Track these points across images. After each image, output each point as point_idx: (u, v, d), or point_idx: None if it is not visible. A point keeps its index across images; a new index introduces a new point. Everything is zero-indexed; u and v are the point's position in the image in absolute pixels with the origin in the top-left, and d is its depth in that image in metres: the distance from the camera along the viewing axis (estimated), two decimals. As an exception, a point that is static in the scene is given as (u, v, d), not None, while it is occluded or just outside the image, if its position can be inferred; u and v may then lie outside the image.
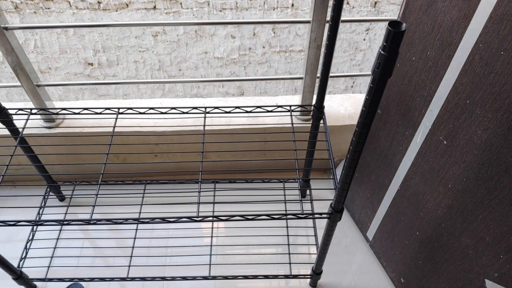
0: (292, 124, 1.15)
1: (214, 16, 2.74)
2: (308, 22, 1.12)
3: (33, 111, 1.19)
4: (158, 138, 1.37)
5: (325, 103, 1.10)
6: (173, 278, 1.24)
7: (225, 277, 1.23)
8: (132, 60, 2.86)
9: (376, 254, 1.32)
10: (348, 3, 2.70)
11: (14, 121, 1.15)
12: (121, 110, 1.14)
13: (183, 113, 1.13)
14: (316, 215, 0.93)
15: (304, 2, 2.71)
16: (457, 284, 0.98)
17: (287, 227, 1.37)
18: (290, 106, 1.17)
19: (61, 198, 1.45)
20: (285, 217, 0.95)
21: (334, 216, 0.92)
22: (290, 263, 1.29)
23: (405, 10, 0.89)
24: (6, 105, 1.14)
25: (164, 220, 0.92)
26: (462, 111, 0.81)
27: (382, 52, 0.54)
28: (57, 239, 1.34)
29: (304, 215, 0.94)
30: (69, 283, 1.24)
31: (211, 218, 0.92)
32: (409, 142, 1.00)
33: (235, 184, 1.42)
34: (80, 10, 2.69)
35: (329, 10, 0.96)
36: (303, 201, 1.45)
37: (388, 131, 1.06)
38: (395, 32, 0.51)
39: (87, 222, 0.92)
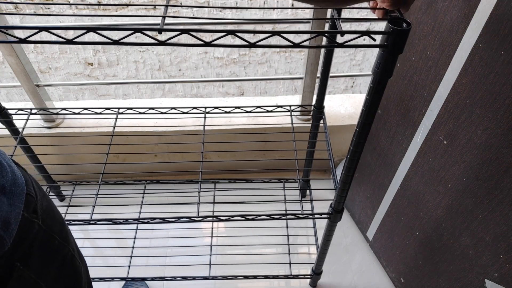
0: (292, 124, 1.15)
1: (214, 16, 2.74)
2: (308, 21, 1.12)
3: (33, 111, 1.19)
4: (158, 138, 1.37)
5: (325, 103, 1.10)
6: (173, 278, 1.24)
7: (225, 277, 1.23)
8: (132, 60, 2.86)
9: (376, 254, 1.31)
10: None
11: (14, 121, 1.15)
12: (121, 110, 1.14)
13: (183, 113, 1.14)
14: (316, 215, 0.93)
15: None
16: (457, 284, 0.98)
17: (287, 227, 1.37)
18: (290, 106, 1.17)
19: (61, 198, 1.45)
20: (285, 217, 0.95)
21: (334, 216, 0.92)
22: (290, 263, 1.29)
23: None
24: (6, 105, 1.14)
25: (164, 220, 0.92)
26: (462, 111, 0.81)
27: (382, 52, 0.54)
28: (57, 239, 1.34)
29: (304, 215, 0.94)
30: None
31: (211, 218, 0.92)
32: (409, 142, 1.00)
33: (235, 184, 1.42)
34: (80, 10, 2.68)
35: (329, 9, 0.96)
36: (303, 201, 1.45)
37: (388, 131, 1.06)
38: (400, 18, 0.50)
39: (87, 222, 0.92)
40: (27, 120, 1.17)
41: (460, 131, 0.83)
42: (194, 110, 1.14)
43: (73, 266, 0.62)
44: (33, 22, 2.65)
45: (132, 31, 0.51)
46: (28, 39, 0.51)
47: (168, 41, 0.52)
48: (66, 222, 0.93)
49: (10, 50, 1.10)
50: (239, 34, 0.53)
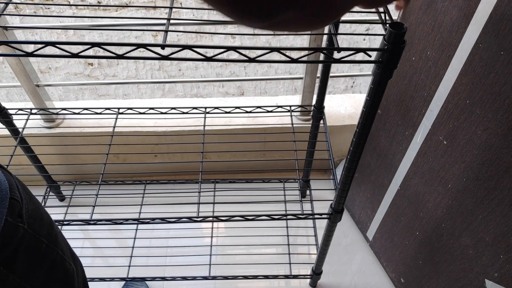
0: (292, 124, 1.15)
1: (214, 16, 2.74)
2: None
3: (33, 111, 1.19)
4: (158, 138, 1.37)
5: (325, 103, 1.10)
6: (173, 278, 1.24)
7: (225, 277, 1.23)
8: (132, 60, 2.86)
9: (376, 254, 1.32)
10: None
11: (14, 121, 1.15)
12: (121, 110, 1.14)
13: (183, 113, 1.14)
14: (316, 216, 0.93)
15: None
16: (457, 284, 0.98)
17: (287, 227, 1.37)
18: (290, 106, 1.17)
19: (61, 198, 1.45)
20: (285, 217, 0.95)
21: (334, 216, 0.92)
22: (290, 263, 1.29)
23: (405, 10, 0.89)
24: (6, 105, 1.14)
25: (164, 220, 0.92)
26: (462, 111, 0.81)
27: (377, 67, 0.55)
28: (57, 239, 1.34)
29: (304, 216, 0.94)
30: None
31: (211, 219, 0.92)
32: (409, 142, 1.00)
33: (235, 184, 1.42)
34: (80, 10, 2.69)
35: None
36: (303, 201, 1.45)
37: (388, 131, 1.06)
38: (395, 34, 0.51)
39: (87, 222, 0.92)
40: (27, 120, 1.17)
41: (460, 131, 0.83)
42: (194, 110, 1.14)
43: (64, 269, 0.62)
44: (33, 22, 2.65)
45: (135, 47, 0.53)
46: (34, 53, 0.53)
47: (171, 56, 0.54)
48: (66, 222, 0.93)
49: (10, 50, 1.10)
50: (238, 45, 0.55)
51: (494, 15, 0.69)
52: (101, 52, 0.53)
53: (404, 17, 0.90)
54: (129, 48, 0.53)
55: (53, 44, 0.52)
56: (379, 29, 2.70)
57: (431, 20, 0.83)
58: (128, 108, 1.14)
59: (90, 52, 0.52)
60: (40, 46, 0.53)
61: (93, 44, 0.52)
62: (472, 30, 0.74)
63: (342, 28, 2.71)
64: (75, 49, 0.53)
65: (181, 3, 2.65)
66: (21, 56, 0.54)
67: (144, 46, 0.52)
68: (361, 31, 2.76)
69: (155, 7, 2.70)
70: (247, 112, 1.14)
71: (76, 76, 2.95)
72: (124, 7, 2.67)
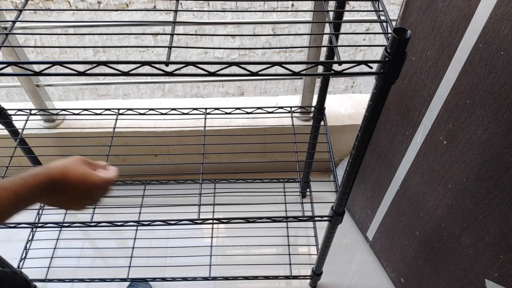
0: (293, 125, 1.15)
1: (214, 16, 2.74)
2: (308, 22, 1.12)
3: (33, 111, 1.19)
4: (158, 139, 1.37)
5: (325, 104, 1.09)
6: (174, 279, 1.24)
7: (226, 278, 1.23)
8: (132, 60, 2.86)
9: (376, 254, 1.31)
10: (348, 3, 2.69)
11: (14, 122, 1.15)
12: (121, 111, 1.14)
13: (184, 114, 1.13)
14: (317, 218, 0.92)
15: (304, 2, 2.70)
16: (457, 284, 0.98)
17: (287, 228, 1.36)
18: (291, 107, 1.17)
19: (61, 198, 1.44)
20: (286, 220, 0.94)
21: (335, 219, 0.91)
22: (290, 264, 1.28)
23: (405, 10, 0.89)
24: (6, 105, 1.14)
25: (164, 222, 0.92)
26: (462, 111, 0.81)
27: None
28: (57, 239, 1.34)
29: (305, 218, 0.94)
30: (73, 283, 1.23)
31: (211, 221, 0.92)
32: (409, 142, 1.00)
33: (235, 185, 1.42)
34: (80, 10, 2.68)
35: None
36: (303, 202, 1.45)
37: (388, 131, 1.06)
38: (399, 39, 0.50)
39: (87, 224, 0.92)
40: (26, 120, 1.17)
41: (460, 131, 0.83)
42: (194, 111, 1.14)
43: None
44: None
45: (140, 65, 0.55)
46: (43, 72, 0.56)
47: (175, 72, 0.55)
48: (66, 224, 0.93)
49: (10, 50, 1.10)
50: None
51: (494, 15, 0.69)
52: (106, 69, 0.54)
53: (404, 17, 0.90)
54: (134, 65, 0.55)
55: (60, 64, 0.55)
56: (379, 28, 2.68)
57: (431, 20, 0.83)
58: (128, 109, 1.14)
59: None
60: (47, 65, 0.56)
61: (99, 63, 0.54)
62: (472, 30, 0.74)
63: (342, 28, 2.70)
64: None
65: (181, 4, 2.65)
66: (30, 75, 0.57)
67: (149, 63, 0.54)
68: (361, 31, 2.76)
69: (155, 9, 2.70)
70: (247, 113, 1.13)
71: (76, 76, 2.94)
72: (124, 7, 2.67)
